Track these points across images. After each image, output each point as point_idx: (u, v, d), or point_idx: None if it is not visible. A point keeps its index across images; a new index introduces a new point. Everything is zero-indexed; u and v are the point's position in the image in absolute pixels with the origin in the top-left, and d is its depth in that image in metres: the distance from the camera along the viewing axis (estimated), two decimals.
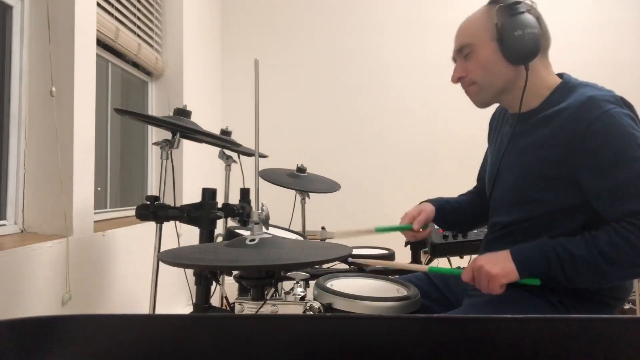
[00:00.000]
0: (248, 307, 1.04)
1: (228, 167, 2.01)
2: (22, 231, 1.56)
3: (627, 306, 2.45)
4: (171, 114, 1.60)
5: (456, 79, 1.22)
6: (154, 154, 2.68)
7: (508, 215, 1.20)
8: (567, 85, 1.15)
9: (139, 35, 2.40)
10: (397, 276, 1.40)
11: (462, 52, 1.19)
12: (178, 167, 2.04)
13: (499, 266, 1.04)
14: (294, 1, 3.66)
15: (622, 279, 1.09)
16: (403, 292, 1.20)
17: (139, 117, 1.56)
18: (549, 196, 1.10)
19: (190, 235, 1.73)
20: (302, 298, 1.10)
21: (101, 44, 2.05)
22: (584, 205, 1.06)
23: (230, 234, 1.51)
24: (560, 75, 1.20)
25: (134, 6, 2.34)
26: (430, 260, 1.95)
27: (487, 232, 1.31)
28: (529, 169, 1.13)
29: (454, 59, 1.24)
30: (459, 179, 3.41)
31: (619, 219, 0.99)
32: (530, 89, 1.14)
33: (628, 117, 1.03)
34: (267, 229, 1.20)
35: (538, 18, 1.12)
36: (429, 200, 1.45)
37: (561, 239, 1.03)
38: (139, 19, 2.40)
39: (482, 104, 1.23)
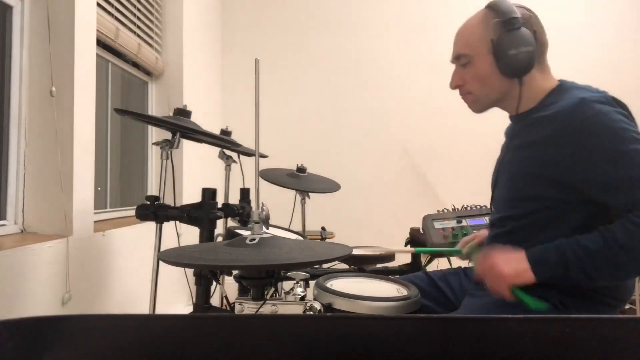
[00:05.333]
0: (248, 307, 1.03)
1: (228, 167, 2.01)
2: (22, 231, 1.56)
3: (627, 306, 2.46)
4: (171, 114, 1.60)
5: (454, 86, 1.25)
6: (154, 154, 2.68)
7: (505, 212, 1.21)
8: (561, 87, 1.16)
9: (139, 35, 2.40)
10: (397, 276, 1.40)
11: (460, 60, 1.22)
12: (178, 167, 2.05)
13: (512, 267, 1.04)
14: (294, 1, 3.66)
15: None
16: (403, 292, 1.20)
17: (139, 117, 1.56)
18: (542, 193, 1.11)
19: (190, 235, 1.73)
20: (302, 298, 1.10)
21: (101, 44, 2.05)
22: (579, 204, 1.07)
23: (230, 234, 1.51)
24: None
25: (134, 6, 2.34)
26: (430, 260, 1.95)
27: (488, 231, 1.32)
28: (522, 167, 1.15)
29: (453, 62, 1.26)
30: (459, 178, 3.42)
31: (629, 210, 0.99)
32: (525, 94, 1.16)
33: (619, 114, 1.04)
34: (267, 228, 1.20)
35: (535, 30, 1.12)
36: None
37: (576, 236, 1.03)
38: (139, 19, 2.40)
39: (477, 111, 1.26)
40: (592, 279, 1.01)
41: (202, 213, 1.49)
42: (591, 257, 0.99)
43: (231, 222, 1.89)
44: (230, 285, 1.63)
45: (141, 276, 2.01)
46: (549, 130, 1.09)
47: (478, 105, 1.24)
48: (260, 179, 1.17)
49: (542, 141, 1.10)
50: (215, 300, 1.58)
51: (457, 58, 1.22)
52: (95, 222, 1.77)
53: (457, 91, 1.29)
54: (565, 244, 1.03)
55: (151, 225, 1.52)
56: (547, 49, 1.18)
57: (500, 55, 1.12)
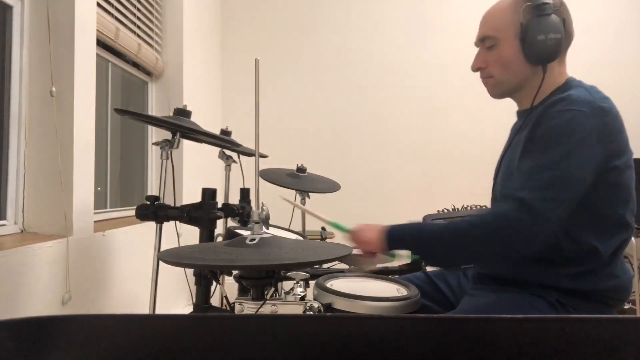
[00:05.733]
0: (248, 307, 1.03)
1: (228, 167, 2.01)
2: (22, 231, 1.56)
3: (627, 306, 2.46)
4: (171, 114, 1.60)
5: (476, 68, 1.24)
6: (154, 154, 2.68)
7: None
8: (566, 85, 1.16)
9: (139, 35, 2.40)
10: (397, 276, 1.40)
11: (485, 42, 1.20)
12: (178, 167, 2.04)
13: (371, 235, 1.16)
14: (294, 1, 3.66)
15: (473, 263, 1.16)
16: (403, 292, 1.20)
17: (139, 117, 1.56)
18: None
19: (190, 235, 1.73)
20: (302, 298, 1.10)
21: (101, 44, 2.05)
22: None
23: (230, 234, 1.51)
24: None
25: (134, 6, 2.34)
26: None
27: None
28: (512, 163, 1.15)
29: (477, 45, 1.24)
30: (459, 178, 3.42)
31: (499, 198, 1.06)
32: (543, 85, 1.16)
33: (589, 126, 1.02)
34: (267, 228, 1.20)
35: (565, 19, 1.12)
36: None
37: (428, 224, 1.16)
38: (139, 19, 2.40)
39: (496, 96, 1.25)
40: (435, 260, 1.14)
41: (202, 213, 1.49)
42: (427, 237, 1.10)
43: (231, 222, 1.89)
44: (230, 285, 1.63)
45: (141, 276, 2.01)
46: (534, 124, 1.10)
47: (498, 89, 1.22)
48: (260, 179, 1.17)
49: (529, 136, 1.11)
50: (215, 300, 1.58)
51: (482, 40, 1.21)
52: (95, 222, 1.77)
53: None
54: (416, 224, 1.16)
55: (151, 225, 1.52)
56: (570, 43, 1.17)
57: (528, 40, 1.11)
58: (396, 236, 1.13)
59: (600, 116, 1.03)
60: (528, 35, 1.11)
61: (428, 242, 1.10)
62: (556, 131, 1.03)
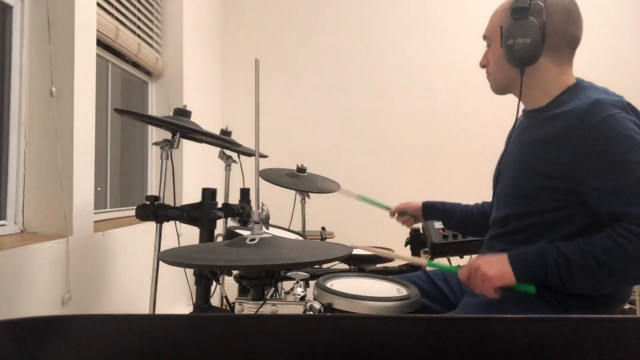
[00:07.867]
0: (248, 307, 1.04)
1: (228, 167, 2.01)
2: (22, 231, 1.56)
3: (627, 306, 2.46)
4: (171, 114, 1.60)
5: (481, 65, 1.29)
6: (154, 154, 2.68)
7: (506, 210, 1.20)
8: (578, 86, 1.15)
9: (139, 35, 2.40)
10: (397, 276, 1.40)
11: (486, 41, 1.27)
12: (178, 167, 2.05)
13: (496, 268, 1.04)
14: (293, 1, 3.66)
15: (617, 286, 1.06)
16: (403, 292, 1.20)
17: (139, 117, 1.56)
18: (545, 194, 1.10)
19: (190, 235, 1.73)
20: (302, 298, 1.10)
21: (101, 44, 2.05)
22: (582, 208, 1.06)
23: (230, 234, 1.51)
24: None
25: (134, 6, 2.34)
26: (430, 260, 1.95)
27: (489, 229, 1.32)
28: (529, 164, 1.14)
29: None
30: (459, 178, 3.42)
31: (615, 221, 0.99)
32: (539, 87, 1.17)
33: (632, 123, 1.03)
34: (267, 228, 1.20)
35: (546, 22, 1.10)
36: (429, 201, 1.63)
37: (558, 244, 1.03)
38: (139, 19, 2.40)
39: (495, 92, 1.29)
40: (567, 287, 1.02)
41: (202, 213, 1.49)
42: (569, 268, 0.99)
43: (231, 222, 1.89)
44: (230, 285, 1.63)
45: (141, 276, 2.01)
46: (559, 128, 1.08)
47: (494, 86, 1.27)
48: (260, 179, 1.17)
49: (550, 139, 1.09)
50: (215, 300, 1.58)
51: (484, 38, 1.28)
52: (95, 222, 1.77)
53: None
54: (546, 250, 1.03)
55: (151, 225, 1.52)
56: (570, 43, 1.16)
57: (503, 42, 1.14)
58: (521, 263, 1.04)
59: (633, 114, 1.06)
60: (503, 39, 1.15)
61: (555, 268, 1.01)
62: (617, 140, 1.00)
